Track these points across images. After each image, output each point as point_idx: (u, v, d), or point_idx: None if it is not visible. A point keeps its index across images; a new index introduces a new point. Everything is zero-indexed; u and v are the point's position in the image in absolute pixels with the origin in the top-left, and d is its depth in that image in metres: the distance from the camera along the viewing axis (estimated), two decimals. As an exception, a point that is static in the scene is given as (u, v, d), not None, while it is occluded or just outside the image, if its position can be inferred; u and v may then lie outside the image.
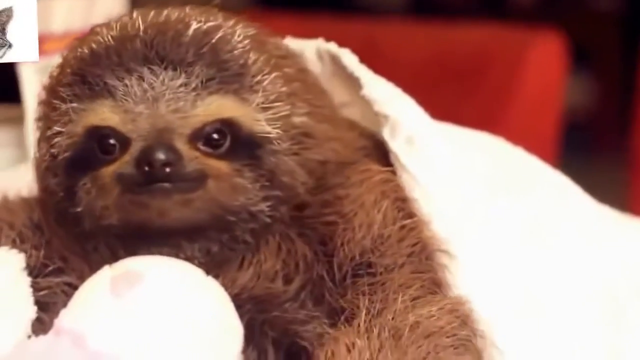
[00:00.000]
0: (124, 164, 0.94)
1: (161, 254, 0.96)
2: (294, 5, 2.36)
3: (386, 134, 1.04)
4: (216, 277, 0.97)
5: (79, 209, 0.97)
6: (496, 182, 1.08)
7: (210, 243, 0.97)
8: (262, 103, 0.97)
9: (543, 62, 2.20)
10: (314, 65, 1.12)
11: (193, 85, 0.94)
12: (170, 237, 0.97)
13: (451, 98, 2.13)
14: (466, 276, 0.98)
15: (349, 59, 1.10)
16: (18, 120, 1.44)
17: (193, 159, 0.94)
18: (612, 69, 3.71)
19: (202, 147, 0.95)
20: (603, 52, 3.81)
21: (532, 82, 2.18)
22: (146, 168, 0.92)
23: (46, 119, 1.00)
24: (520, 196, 1.09)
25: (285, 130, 0.97)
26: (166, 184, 0.92)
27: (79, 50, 0.98)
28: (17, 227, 1.01)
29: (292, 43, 1.10)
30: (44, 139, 1.00)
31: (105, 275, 0.94)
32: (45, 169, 1.00)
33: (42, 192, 1.02)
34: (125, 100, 0.94)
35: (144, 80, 0.94)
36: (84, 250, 1.00)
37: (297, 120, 0.98)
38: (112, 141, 0.95)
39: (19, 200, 1.06)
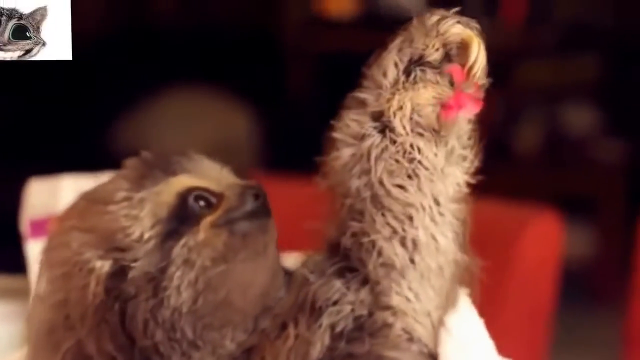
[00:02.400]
0: (224, 210, 0.95)
1: None
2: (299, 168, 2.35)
3: None
4: None
5: (174, 284, 0.92)
6: None
7: None
8: None
9: (539, 243, 2.18)
10: None
11: None
12: None
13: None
14: None
15: None
16: (23, 293, 1.42)
17: None
18: (615, 220, 3.70)
19: None
20: (605, 202, 3.80)
21: (528, 263, 2.15)
22: (255, 198, 0.95)
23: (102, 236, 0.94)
24: None
25: None
26: (270, 219, 0.97)
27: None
28: None
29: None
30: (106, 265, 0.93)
31: None
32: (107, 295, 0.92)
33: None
34: (204, 171, 0.98)
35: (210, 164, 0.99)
36: None
37: None
38: (203, 201, 0.96)
39: None
